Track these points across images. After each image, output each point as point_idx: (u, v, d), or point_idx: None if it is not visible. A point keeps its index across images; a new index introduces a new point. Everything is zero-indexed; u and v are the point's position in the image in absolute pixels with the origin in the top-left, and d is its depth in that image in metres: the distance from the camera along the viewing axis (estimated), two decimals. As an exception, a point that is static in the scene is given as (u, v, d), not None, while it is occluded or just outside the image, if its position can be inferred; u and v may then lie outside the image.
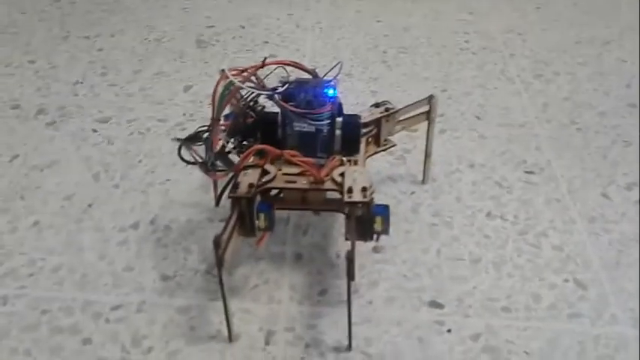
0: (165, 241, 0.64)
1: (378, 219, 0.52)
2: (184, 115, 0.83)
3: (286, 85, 0.56)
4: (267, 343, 0.54)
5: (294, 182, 0.55)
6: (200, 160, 0.57)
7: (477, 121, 0.85)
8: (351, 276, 0.48)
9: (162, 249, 0.63)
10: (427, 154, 0.69)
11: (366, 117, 0.63)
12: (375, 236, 0.53)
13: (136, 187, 0.71)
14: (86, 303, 0.57)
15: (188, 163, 0.59)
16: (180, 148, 0.59)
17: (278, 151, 0.55)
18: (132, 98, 0.87)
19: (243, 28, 1.07)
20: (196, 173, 0.73)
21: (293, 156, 0.55)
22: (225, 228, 0.51)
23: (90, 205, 0.68)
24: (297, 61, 0.60)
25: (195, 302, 0.58)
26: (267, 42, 1.03)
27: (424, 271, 0.61)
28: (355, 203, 0.51)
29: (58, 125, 0.81)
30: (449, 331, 0.56)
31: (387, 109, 0.64)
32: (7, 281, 0.59)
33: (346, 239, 0.53)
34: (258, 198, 0.53)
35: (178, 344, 0.54)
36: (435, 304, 0.58)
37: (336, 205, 0.56)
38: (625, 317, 0.57)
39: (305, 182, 0.54)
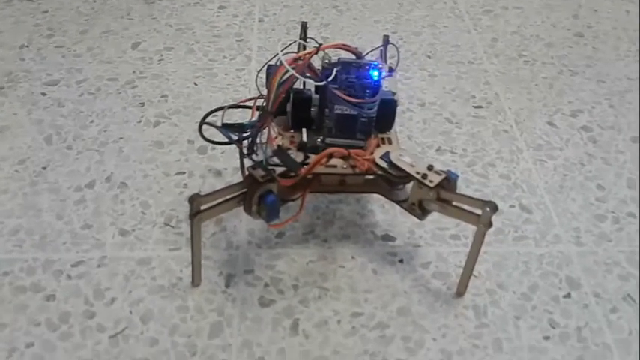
0: (121, 198, 0.65)
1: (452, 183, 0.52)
2: (134, 72, 0.83)
3: (335, 71, 0.52)
4: (227, 285, 0.56)
5: (336, 167, 0.54)
6: (254, 158, 0.53)
7: (427, 60, 0.86)
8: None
9: (119, 205, 0.64)
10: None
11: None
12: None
13: (89, 147, 0.71)
14: (47, 262, 0.58)
15: (251, 159, 0.53)
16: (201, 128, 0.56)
17: (345, 152, 0.53)
18: (80, 59, 0.86)
19: (191, -20, 1.05)
20: (150, 130, 0.73)
21: (358, 155, 0.53)
22: (220, 191, 0.51)
23: (44, 168, 0.68)
24: (346, 43, 0.54)
25: (155, 254, 0.59)
26: (215, -7, 1.02)
27: (377, 208, 0.63)
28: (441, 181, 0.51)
29: (7, 91, 0.80)
30: (401, 261, 0.58)
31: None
32: (-33, 247, 0.60)
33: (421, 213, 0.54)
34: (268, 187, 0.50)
35: (141, 293, 0.56)
36: (387, 238, 0.60)
37: (377, 187, 0.56)
38: (568, 236, 0.60)
39: (346, 166, 0.53)
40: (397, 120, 0.66)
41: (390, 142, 0.56)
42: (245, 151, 0.53)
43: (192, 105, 0.77)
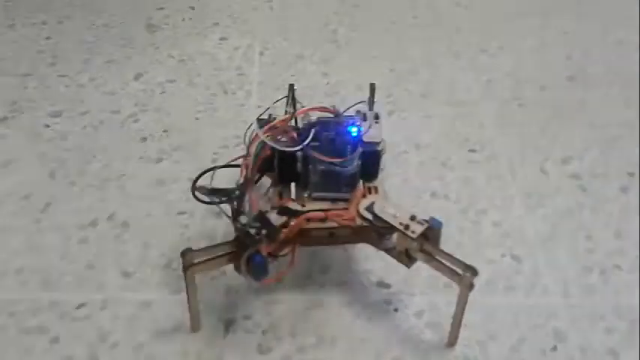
0: (124, 237, 0.66)
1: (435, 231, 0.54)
2: (136, 105, 0.84)
3: (312, 132, 0.54)
4: (226, 331, 0.58)
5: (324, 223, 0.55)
6: (241, 220, 0.53)
7: (423, 100, 0.88)
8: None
9: (121, 245, 0.65)
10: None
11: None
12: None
13: (92, 183, 0.73)
14: (52, 303, 0.60)
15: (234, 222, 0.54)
16: (194, 189, 0.56)
17: (322, 215, 0.55)
18: (83, 89, 0.87)
19: (193, 9, 1.07)
20: (152, 167, 0.75)
21: (338, 215, 0.55)
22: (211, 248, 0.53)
23: (48, 204, 0.70)
24: (323, 105, 0.57)
25: (157, 296, 0.61)
26: (217, 24, 1.03)
27: (372, 253, 0.65)
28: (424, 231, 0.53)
29: (10, 122, 0.81)
30: (395, 310, 0.60)
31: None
32: (-29, 285, 0.61)
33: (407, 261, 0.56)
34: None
35: (143, 337, 0.57)
36: (382, 284, 0.62)
37: (366, 237, 0.57)
38: (556, 288, 0.63)
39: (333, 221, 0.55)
40: (393, 162, 0.67)
41: (377, 191, 0.58)
42: (231, 214, 0.54)
43: (193, 141, 0.79)
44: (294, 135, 0.55)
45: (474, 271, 0.51)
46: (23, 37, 0.98)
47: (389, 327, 0.59)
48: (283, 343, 0.57)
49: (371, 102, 0.63)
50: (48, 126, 0.81)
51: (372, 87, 0.63)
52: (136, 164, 0.75)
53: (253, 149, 0.54)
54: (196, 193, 0.57)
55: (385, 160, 0.73)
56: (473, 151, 0.79)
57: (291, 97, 0.64)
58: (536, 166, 0.77)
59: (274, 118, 0.58)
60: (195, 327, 0.57)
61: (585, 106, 0.88)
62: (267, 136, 0.53)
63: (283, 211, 0.54)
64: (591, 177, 0.76)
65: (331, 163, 0.55)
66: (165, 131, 0.80)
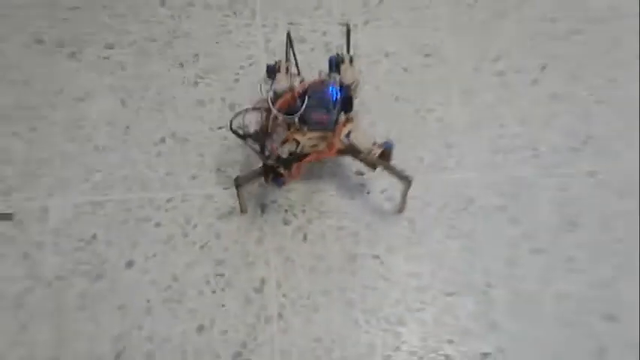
0: (186, 149, 0.98)
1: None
2: (168, 32, 1.09)
3: (307, 98, 0.82)
4: (262, 212, 0.93)
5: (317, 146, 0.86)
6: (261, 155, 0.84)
7: (392, 7, 1.11)
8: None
9: (185, 156, 0.98)
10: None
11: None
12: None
13: (153, 107, 1.02)
14: (150, 199, 0.94)
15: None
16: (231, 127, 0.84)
17: (315, 156, 0.86)
18: (125, 19, 1.11)
19: None
20: (193, 91, 1.03)
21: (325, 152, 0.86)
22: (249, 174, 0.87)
23: (127, 128, 1.00)
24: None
25: (216, 191, 0.95)
26: None
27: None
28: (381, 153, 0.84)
29: (78, 57, 1.07)
30: (368, 193, 0.94)
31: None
32: (94, 191, 0.95)
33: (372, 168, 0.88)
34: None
35: (212, 219, 0.93)
36: (359, 174, 0.96)
37: (348, 153, 0.87)
38: (473, 166, 0.96)
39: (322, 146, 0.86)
40: (368, 72, 0.95)
41: (352, 120, 0.88)
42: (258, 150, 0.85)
43: (218, 64, 1.05)
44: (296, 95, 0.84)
45: (408, 180, 0.84)
46: None
47: (363, 201, 0.93)
48: (297, 217, 0.93)
49: (348, 44, 0.90)
50: (107, 58, 1.07)
51: (348, 28, 0.89)
52: (180, 88, 1.03)
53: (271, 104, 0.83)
54: (232, 128, 0.88)
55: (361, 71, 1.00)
56: (428, 55, 1.06)
57: (289, 48, 0.91)
58: (472, 66, 1.04)
59: (279, 64, 0.86)
60: (243, 211, 0.93)
61: (522, 3, 1.10)
62: (278, 109, 0.82)
63: (291, 156, 0.85)
64: (512, 72, 1.03)
65: (319, 114, 0.84)
66: (195, 55, 1.07)
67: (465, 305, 0.87)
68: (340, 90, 0.85)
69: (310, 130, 0.85)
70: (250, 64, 1.05)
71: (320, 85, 0.84)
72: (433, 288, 0.88)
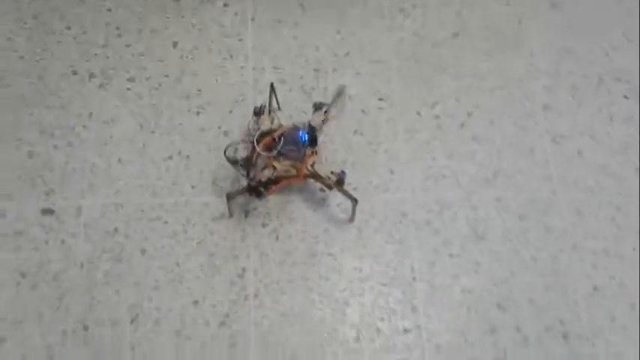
0: (189, 165, 1.26)
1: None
2: (178, 69, 1.37)
3: (281, 142, 1.11)
4: (246, 216, 1.21)
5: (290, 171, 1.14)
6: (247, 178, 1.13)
7: (354, 60, 1.40)
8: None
9: (187, 170, 1.26)
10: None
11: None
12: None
13: (163, 131, 1.30)
14: (159, 204, 1.22)
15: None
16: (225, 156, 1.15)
17: (288, 182, 1.16)
18: (142, 58, 1.39)
19: (203, -25, 1.51)
20: (195, 119, 1.31)
21: (295, 177, 1.15)
22: (237, 191, 1.15)
23: (144, 145, 1.28)
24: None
25: (211, 199, 1.23)
26: (221, -10, 1.49)
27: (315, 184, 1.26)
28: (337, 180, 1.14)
29: (106, 87, 1.35)
30: (328, 206, 1.23)
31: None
32: (117, 195, 1.23)
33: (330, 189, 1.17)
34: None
35: (207, 220, 1.21)
36: (322, 191, 1.24)
37: (313, 178, 1.16)
38: (407, 187, 1.25)
39: (293, 171, 1.14)
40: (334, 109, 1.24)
41: (316, 153, 1.17)
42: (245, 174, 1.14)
43: (216, 98, 1.33)
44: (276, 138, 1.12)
45: (355, 200, 1.13)
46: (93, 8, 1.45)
47: (324, 212, 1.22)
48: (272, 221, 1.21)
49: (333, 104, 1.19)
50: (129, 89, 1.35)
51: (342, 89, 1.17)
52: (186, 116, 1.31)
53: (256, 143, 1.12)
54: (226, 155, 1.16)
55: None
56: (381, 99, 1.34)
57: (274, 96, 1.20)
58: (415, 110, 1.33)
59: (264, 107, 1.15)
60: (231, 216, 1.21)
61: (458, 60, 1.40)
62: (261, 148, 1.11)
63: (269, 180, 1.13)
64: (445, 117, 1.33)
65: (291, 151, 1.13)
66: (199, 90, 1.35)
67: (394, 294, 1.16)
68: (308, 131, 1.14)
69: (284, 159, 1.14)
70: (242, 100, 1.33)
71: (294, 129, 1.13)
72: (372, 280, 1.17)
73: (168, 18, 1.43)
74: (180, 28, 1.42)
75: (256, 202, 1.22)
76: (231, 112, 1.32)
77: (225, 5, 1.44)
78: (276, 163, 1.13)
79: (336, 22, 1.42)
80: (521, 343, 1.13)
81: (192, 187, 1.24)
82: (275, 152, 1.11)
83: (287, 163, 1.14)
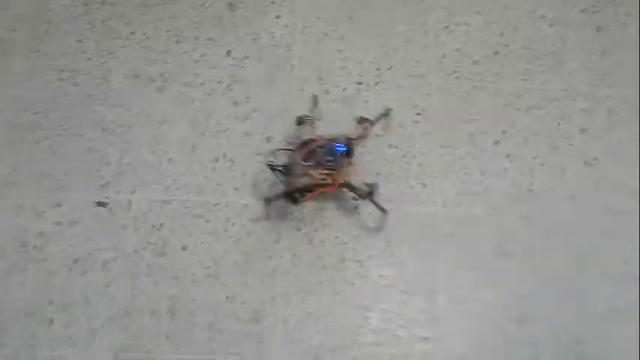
0: (232, 168, 1.35)
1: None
2: (230, 77, 1.46)
3: (319, 154, 1.19)
4: (282, 220, 1.29)
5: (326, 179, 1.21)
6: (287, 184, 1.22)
7: (395, 74, 1.45)
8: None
9: (231, 172, 1.35)
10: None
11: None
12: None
13: (212, 133, 1.40)
14: (204, 202, 1.31)
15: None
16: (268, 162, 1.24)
17: (324, 190, 1.22)
18: (197, 64, 1.49)
19: (258, -13, 1.60)
20: (242, 124, 1.40)
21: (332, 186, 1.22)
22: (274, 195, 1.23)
23: (194, 146, 1.38)
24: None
25: (251, 201, 1.31)
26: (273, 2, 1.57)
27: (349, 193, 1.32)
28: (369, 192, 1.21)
29: (163, 90, 1.46)
30: (357, 208, 1.29)
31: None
32: (165, 191, 1.33)
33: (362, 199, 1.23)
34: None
35: (245, 220, 1.29)
36: (355, 199, 1.31)
37: (347, 188, 1.23)
38: (438, 200, 1.29)
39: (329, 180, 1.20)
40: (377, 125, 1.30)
41: (352, 164, 1.23)
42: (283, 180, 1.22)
43: (262, 106, 1.42)
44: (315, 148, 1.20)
45: (384, 211, 1.19)
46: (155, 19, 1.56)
47: (356, 220, 1.28)
48: (307, 226, 1.28)
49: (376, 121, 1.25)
50: (183, 93, 1.45)
51: (388, 111, 1.24)
52: (233, 121, 1.40)
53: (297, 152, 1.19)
54: (267, 161, 1.24)
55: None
56: (418, 114, 1.39)
57: (314, 105, 1.27)
58: (450, 125, 1.37)
59: (305, 118, 1.23)
60: (268, 218, 1.29)
61: (498, 78, 1.43)
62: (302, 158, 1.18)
63: (305, 188, 1.21)
64: (480, 134, 1.36)
65: (328, 161, 1.20)
66: (247, 98, 1.43)
67: (416, 302, 1.21)
68: (346, 143, 1.21)
69: (321, 168, 1.20)
70: (286, 108, 1.41)
71: (332, 141, 1.20)
72: (395, 287, 1.23)
73: (223, 27, 1.52)
74: (234, 37, 1.51)
75: (292, 208, 1.30)
76: (275, 119, 1.40)
77: (277, 17, 1.52)
78: (313, 172, 1.20)
79: (381, 37, 1.48)
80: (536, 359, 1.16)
81: (235, 188, 1.33)
82: (313, 162, 1.18)
83: (323, 172, 1.21)
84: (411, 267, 1.24)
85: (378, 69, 1.45)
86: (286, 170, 1.21)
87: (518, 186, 1.30)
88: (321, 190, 1.23)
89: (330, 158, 1.19)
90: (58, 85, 1.44)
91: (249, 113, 1.41)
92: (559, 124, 1.36)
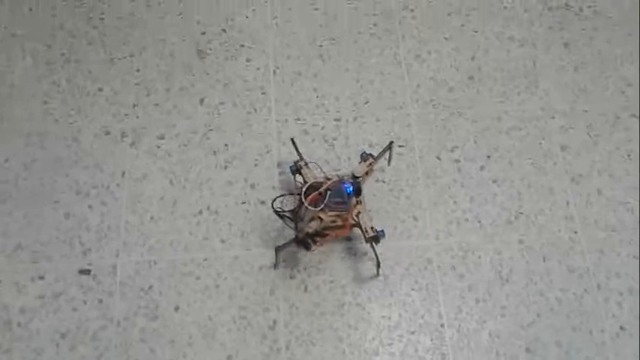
0: (217, 220, 1.31)
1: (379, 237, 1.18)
2: (205, 126, 1.43)
3: (328, 194, 1.12)
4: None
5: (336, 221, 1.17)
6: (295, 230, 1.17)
7: (373, 107, 1.44)
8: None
9: (216, 225, 1.31)
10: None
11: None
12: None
13: (194, 186, 1.35)
14: (192, 258, 1.27)
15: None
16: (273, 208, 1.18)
17: (333, 234, 1.19)
18: (169, 116, 1.45)
19: (225, 32, 1.58)
20: (223, 172, 1.36)
21: (341, 229, 1.19)
22: (285, 243, 1.19)
23: (174, 202, 1.34)
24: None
25: (241, 253, 1.27)
26: (242, 45, 1.55)
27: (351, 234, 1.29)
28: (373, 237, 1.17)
29: (137, 145, 1.41)
30: (355, 254, 1.26)
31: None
32: (150, 252, 1.28)
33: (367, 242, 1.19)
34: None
35: (237, 275, 1.25)
36: (349, 240, 1.28)
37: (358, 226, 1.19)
38: (431, 232, 1.28)
39: (339, 221, 1.17)
40: (355, 158, 1.28)
41: (361, 202, 1.20)
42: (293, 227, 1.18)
43: (242, 152, 1.39)
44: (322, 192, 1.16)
45: (379, 263, 1.17)
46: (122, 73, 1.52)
47: (351, 262, 1.25)
48: (300, 273, 1.25)
49: (379, 156, 1.23)
50: (159, 147, 1.41)
51: (391, 144, 1.22)
52: (214, 171, 1.37)
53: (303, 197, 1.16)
54: (274, 208, 1.20)
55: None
56: (401, 146, 1.38)
57: (297, 152, 1.24)
58: (434, 155, 1.36)
59: (298, 164, 1.20)
60: (277, 267, 1.25)
61: (474, 103, 1.43)
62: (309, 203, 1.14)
63: (316, 233, 1.17)
64: (464, 161, 1.35)
65: (337, 203, 1.16)
66: (225, 145, 1.40)
67: (423, 341, 1.18)
68: (352, 182, 1.17)
69: (330, 211, 1.17)
70: (267, 152, 1.38)
71: (338, 182, 1.16)
72: (400, 328, 1.20)
73: (194, 75, 1.49)
74: (206, 85, 1.48)
75: (284, 255, 1.26)
76: (256, 164, 1.37)
77: (248, 60, 1.50)
78: (323, 215, 1.16)
79: (355, 72, 1.47)
80: (551, 386, 1.14)
81: (222, 241, 1.29)
82: (322, 206, 1.14)
83: (333, 214, 1.16)
84: (414, 304, 1.22)
85: (355, 104, 1.43)
86: (294, 216, 1.18)
87: (509, 210, 1.30)
88: (336, 232, 1.20)
89: (339, 200, 1.15)
90: (26, 151, 1.39)
91: (229, 161, 1.38)
92: (540, 144, 1.36)
